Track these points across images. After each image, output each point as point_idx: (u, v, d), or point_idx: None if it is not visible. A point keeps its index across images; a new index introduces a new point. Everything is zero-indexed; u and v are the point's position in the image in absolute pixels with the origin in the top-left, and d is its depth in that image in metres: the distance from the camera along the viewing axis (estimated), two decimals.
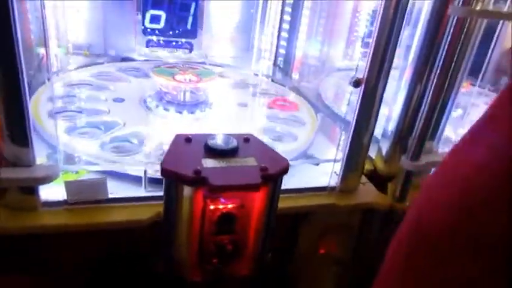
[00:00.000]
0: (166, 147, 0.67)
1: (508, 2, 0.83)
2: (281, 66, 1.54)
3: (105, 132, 0.91)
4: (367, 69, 0.78)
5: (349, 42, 1.50)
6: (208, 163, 0.63)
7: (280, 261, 0.87)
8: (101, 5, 1.33)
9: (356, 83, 0.78)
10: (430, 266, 0.28)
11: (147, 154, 0.85)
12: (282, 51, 1.53)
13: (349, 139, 0.85)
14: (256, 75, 1.48)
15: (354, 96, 0.84)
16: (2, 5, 0.57)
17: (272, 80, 1.47)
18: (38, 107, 0.96)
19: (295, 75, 1.49)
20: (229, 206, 0.63)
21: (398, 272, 0.31)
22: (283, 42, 1.52)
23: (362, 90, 0.80)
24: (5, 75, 0.62)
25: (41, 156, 0.78)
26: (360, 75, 0.80)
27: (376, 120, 0.86)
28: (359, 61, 0.80)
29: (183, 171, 0.59)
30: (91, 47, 1.38)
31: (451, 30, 0.77)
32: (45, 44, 1.27)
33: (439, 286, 0.28)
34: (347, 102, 0.96)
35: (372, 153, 0.97)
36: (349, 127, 0.85)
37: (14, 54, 0.60)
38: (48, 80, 1.19)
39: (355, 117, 0.83)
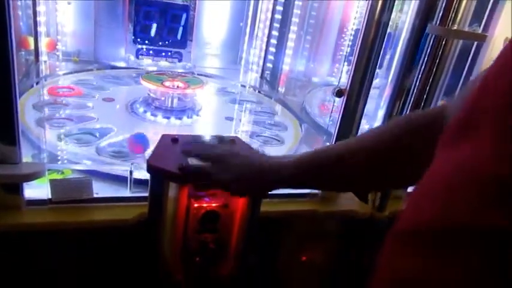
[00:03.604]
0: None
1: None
2: (268, 79, 1.58)
3: (98, 139, 0.92)
4: (349, 80, 0.81)
5: (334, 60, 1.55)
6: (194, 162, 0.64)
7: (262, 266, 0.88)
8: (92, 13, 1.36)
9: (338, 93, 0.81)
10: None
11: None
12: (269, 65, 1.57)
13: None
14: (244, 86, 1.51)
15: (336, 109, 0.88)
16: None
17: (259, 92, 1.50)
18: (24, 111, 0.97)
19: (281, 89, 1.53)
20: (213, 204, 0.65)
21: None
22: (270, 57, 1.56)
23: (344, 100, 0.83)
24: None
25: (26, 157, 0.79)
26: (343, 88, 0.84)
27: (357, 131, 0.89)
28: (341, 74, 0.84)
29: (169, 168, 0.61)
30: (81, 53, 1.40)
31: (429, 49, 0.82)
32: (36, 47, 1.30)
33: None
34: (330, 115, 1.00)
35: None
36: (332, 137, 0.88)
37: (6, 51, 0.62)
38: (37, 84, 1.20)
39: (337, 127, 0.86)
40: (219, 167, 0.60)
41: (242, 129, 1.12)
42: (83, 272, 0.78)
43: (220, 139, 0.71)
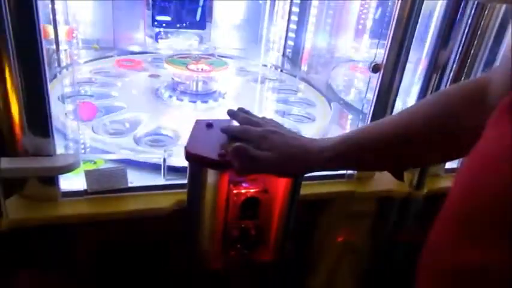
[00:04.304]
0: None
1: None
2: (290, 57, 1.53)
3: (130, 129, 0.90)
4: (385, 54, 0.77)
5: (358, 33, 1.50)
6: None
7: (298, 248, 0.87)
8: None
9: (375, 68, 0.78)
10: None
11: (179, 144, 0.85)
12: (290, 42, 1.53)
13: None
14: (265, 65, 1.47)
15: (369, 86, 0.84)
16: None
17: (281, 71, 1.46)
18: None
19: (304, 67, 1.49)
20: (253, 190, 0.63)
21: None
22: (291, 34, 1.51)
23: (380, 76, 0.79)
24: (26, 65, 0.61)
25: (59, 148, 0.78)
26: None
27: (393, 108, 0.85)
28: (377, 48, 0.80)
29: (208, 155, 0.59)
30: (100, 41, 1.38)
31: (470, 19, 0.77)
32: (56, 36, 1.28)
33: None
34: (361, 92, 0.97)
35: None
36: (367, 115, 0.85)
37: (36, 41, 0.60)
38: (60, 73, 1.19)
39: (372, 105, 0.83)
40: (262, 143, 0.57)
41: (270, 108, 1.09)
42: (119, 262, 0.78)
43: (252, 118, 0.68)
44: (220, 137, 0.64)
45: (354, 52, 1.49)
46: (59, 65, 1.26)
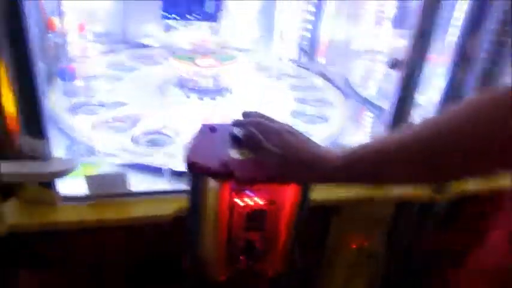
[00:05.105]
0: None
1: None
2: (306, 49, 1.47)
3: (132, 126, 0.87)
4: (410, 49, 0.71)
5: (378, 22, 1.42)
6: (235, 154, 0.57)
7: (309, 255, 0.82)
8: None
9: (394, 65, 0.71)
10: None
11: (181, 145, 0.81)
12: (306, 34, 1.46)
13: (385, 127, 0.79)
14: (280, 59, 1.41)
15: (386, 80, 0.78)
16: None
17: (297, 65, 1.40)
18: (56, 98, 0.92)
19: (320, 59, 1.42)
20: (259, 201, 0.58)
21: None
22: (308, 25, 1.45)
23: (401, 73, 0.73)
24: (18, 65, 0.58)
25: (59, 148, 0.75)
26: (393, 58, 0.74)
27: (412, 105, 0.79)
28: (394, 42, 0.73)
29: (210, 164, 0.54)
30: (110, 32, 1.34)
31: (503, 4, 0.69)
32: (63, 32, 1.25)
33: None
34: (381, 87, 0.90)
35: None
36: (385, 114, 0.79)
37: (25, 43, 0.57)
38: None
39: (392, 103, 0.77)
40: (275, 139, 0.53)
41: (282, 106, 1.03)
42: (119, 269, 0.75)
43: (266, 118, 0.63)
44: (223, 143, 0.60)
45: (374, 42, 1.42)
46: (67, 58, 1.24)
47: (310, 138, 0.57)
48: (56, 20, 1.22)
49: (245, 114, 0.62)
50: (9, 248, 0.65)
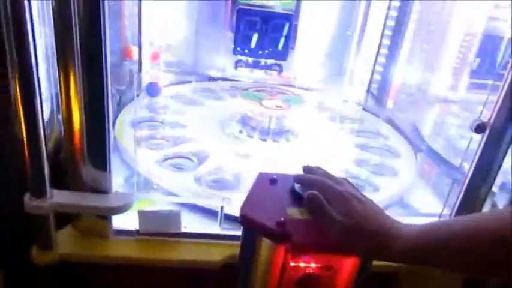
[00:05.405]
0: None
1: None
2: (375, 93, 1.41)
3: (197, 165, 0.86)
4: (495, 112, 0.63)
5: (456, 71, 1.33)
6: (294, 213, 0.54)
7: None
8: (194, 22, 1.33)
9: (478, 128, 0.64)
10: None
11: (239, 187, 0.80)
12: (377, 77, 1.40)
13: (462, 192, 0.71)
14: (346, 101, 1.37)
15: (461, 134, 0.71)
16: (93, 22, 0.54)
17: (363, 109, 1.35)
18: (123, 127, 0.95)
19: (390, 105, 1.35)
20: (314, 265, 0.54)
21: None
22: (379, 68, 1.40)
23: (485, 136, 0.66)
24: (91, 92, 0.59)
25: (119, 178, 0.76)
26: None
27: (498, 171, 0.71)
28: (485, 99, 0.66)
29: (265, 221, 0.51)
30: (181, 64, 1.38)
31: None
32: (139, 61, 1.31)
33: None
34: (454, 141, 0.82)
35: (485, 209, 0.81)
36: (464, 177, 0.71)
37: (101, 76, 0.57)
38: (138, 96, 1.20)
39: (472, 166, 0.69)
40: (338, 205, 0.49)
41: (345, 153, 0.98)
42: None
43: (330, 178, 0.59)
44: (283, 198, 0.56)
45: (449, 92, 1.33)
46: (141, 86, 1.29)
47: (377, 206, 0.52)
48: (134, 49, 1.29)
49: (306, 169, 0.58)
50: (58, 277, 0.66)
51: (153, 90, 1.03)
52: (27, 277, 0.72)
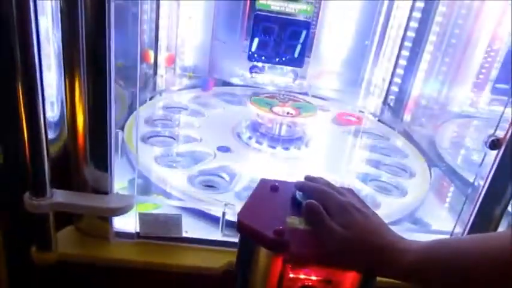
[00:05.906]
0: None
1: None
2: (391, 105, 1.38)
3: (194, 164, 0.86)
4: (511, 128, 0.61)
5: (476, 85, 1.29)
6: (294, 222, 0.52)
7: None
8: (211, 28, 1.33)
9: (493, 145, 0.61)
10: None
11: (237, 193, 0.78)
12: (394, 88, 1.37)
13: (476, 209, 0.68)
14: (362, 112, 1.34)
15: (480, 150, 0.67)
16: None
17: (379, 120, 1.32)
18: (133, 127, 0.95)
19: (406, 117, 1.32)
20: (313, 277, 0.52)
21: None
22: (397, 79, 1.37)
23: (501, 152, 0.62)
24: (96, 93, 0.58)
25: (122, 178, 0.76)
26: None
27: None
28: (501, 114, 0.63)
29: (262, 229, 0.49)
30: (196, 69, 1.38)
31: None
32: (155, 62, 1.31)
33: None
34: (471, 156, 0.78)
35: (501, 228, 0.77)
36: (477, 194, 0.68)
37: (105, 78, 0.57)
38: (150, 99, 1.21)
39: (487, 183, 0.66)
40: (339, 216, 0.47)
41: (355, 169, 0.95)
42: None
43: (333, 188, 0.57)
44: (284, 206, 0.55)
45: (469, 106, 1.29)
46: (155, 89, 1.30)
47: (382, 219, 0.50)
48: (150, 53, 1.30)
49: (308, 179, 0.56)
50: (57, 277, 0.65)
51: (205, 84, 1.25)
52: (27, 277, 0.72)
